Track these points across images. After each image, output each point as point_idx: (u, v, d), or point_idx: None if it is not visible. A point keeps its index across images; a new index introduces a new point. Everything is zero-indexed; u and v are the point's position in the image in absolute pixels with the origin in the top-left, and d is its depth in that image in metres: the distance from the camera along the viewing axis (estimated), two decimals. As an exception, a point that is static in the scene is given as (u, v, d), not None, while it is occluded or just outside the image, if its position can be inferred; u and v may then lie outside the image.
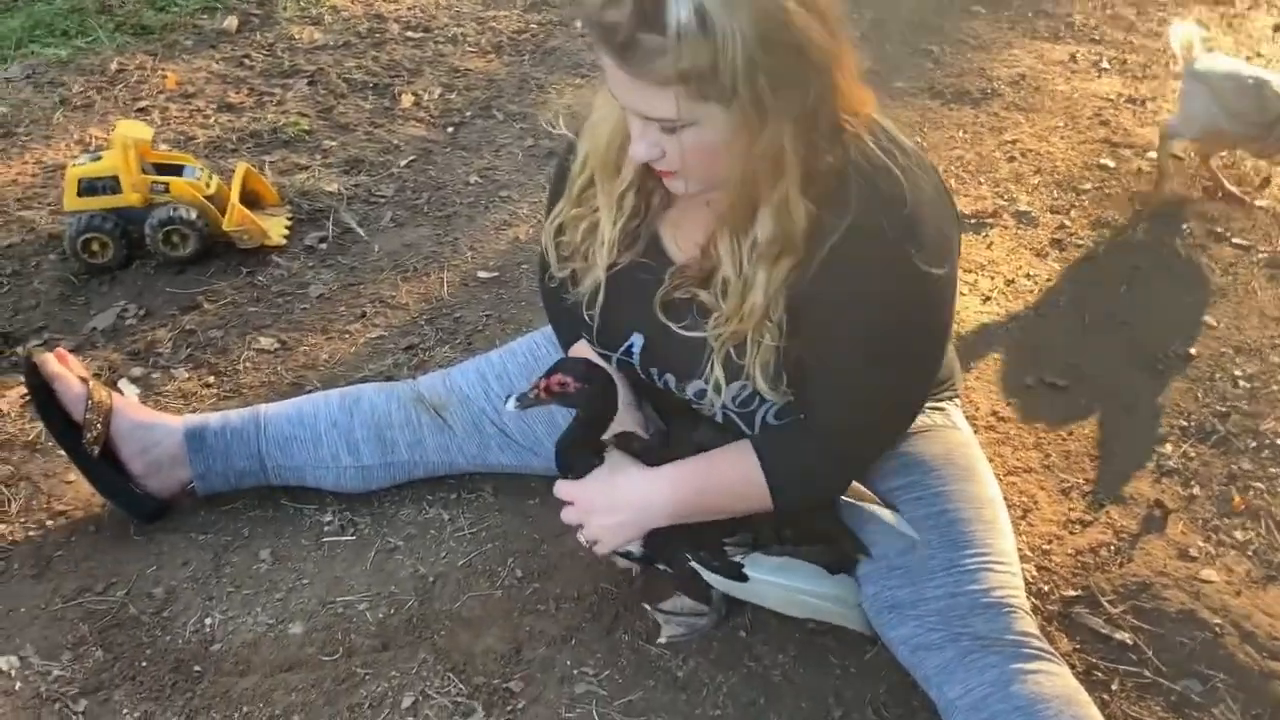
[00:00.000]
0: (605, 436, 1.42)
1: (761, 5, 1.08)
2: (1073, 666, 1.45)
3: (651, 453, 1.41)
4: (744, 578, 1.43)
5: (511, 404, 1.36)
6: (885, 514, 1.43)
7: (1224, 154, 2.61)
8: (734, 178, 1.20)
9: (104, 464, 1.64)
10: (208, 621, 1.54)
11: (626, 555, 1.47)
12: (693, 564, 1.44)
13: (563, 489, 1.42)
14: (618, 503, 1.38)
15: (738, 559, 1.43)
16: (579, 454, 1.41)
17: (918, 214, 1.21)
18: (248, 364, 2.01)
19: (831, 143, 1.20)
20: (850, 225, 1.20)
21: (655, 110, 1.15)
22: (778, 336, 1.27)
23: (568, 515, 1.43)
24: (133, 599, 1.57)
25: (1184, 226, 2.43)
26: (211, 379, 1.97)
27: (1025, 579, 1.48)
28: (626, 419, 1.45)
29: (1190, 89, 2.43)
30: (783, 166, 1.18)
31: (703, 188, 1.27)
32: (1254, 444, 1.86)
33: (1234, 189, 2.54)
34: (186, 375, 1.97)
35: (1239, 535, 1.69)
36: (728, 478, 1.36)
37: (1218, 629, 1.54)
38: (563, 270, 1.45)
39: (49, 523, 1.68)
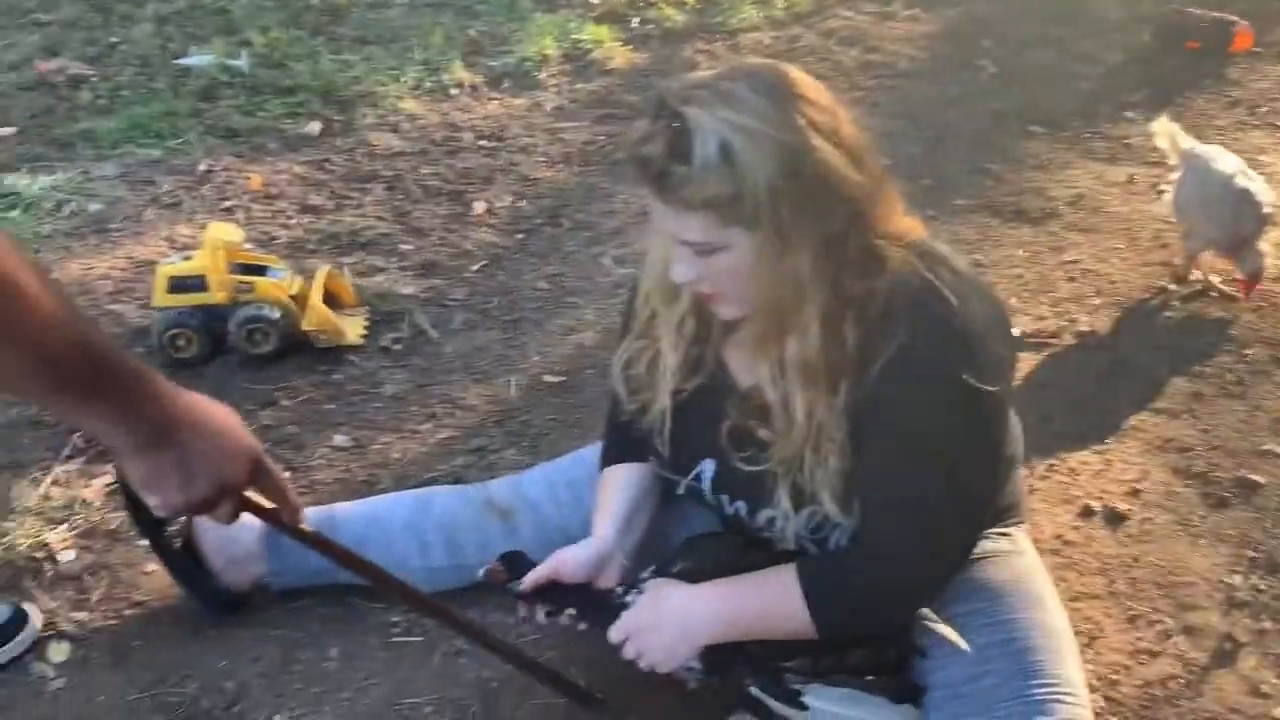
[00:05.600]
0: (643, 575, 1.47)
1: (785, 140, 1.17)
2: (1143, 804, 1.43)
3: (696, 574, 1.43)
4: (803, 706, 1.43)
5: (481, 573, 1.51)
6: (938, 626, 1.42)
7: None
8: (762, 301, 1.27)
9: (184, 557, 1.69)
10: (277, 719, 1.57)
11: (689, 670, 1.47)
12: (752, 690, 1.45)
13: (614, 631, 1.44)
14: (663, 619, 1.40)
15: (796, 686, 1.43)
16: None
17: (967, 332, 1.25)
18: (322, 460, 2.07)
19: (867, 269, 1.26)
20: (900, 345, 1.25)
21: (687, 234, 1.23)
22: (842, 458, 1.31)
23: (626, 651, 1.43)
24: (205, 693, 1.60)
25: (1246, 352, 2.43)
26: (287, 474, 2.02)
27: (1093, 710, 1.47)
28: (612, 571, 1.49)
29: (1189, 179, 2.59)
30: (804, 291, 1.24)
31: (742, 310, 1.32)
32: (1325, 578, 1.84)
33: (1224, 287, 2.64)
34: (263, 470, 2.03)
35: (1312, 673, 1.67)
36: (769, 598, 1.37)
37: (1293, 771, 1.51)
38: (633, 403, 1.50)
39: (127, 612, 1.73)
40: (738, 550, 1.48)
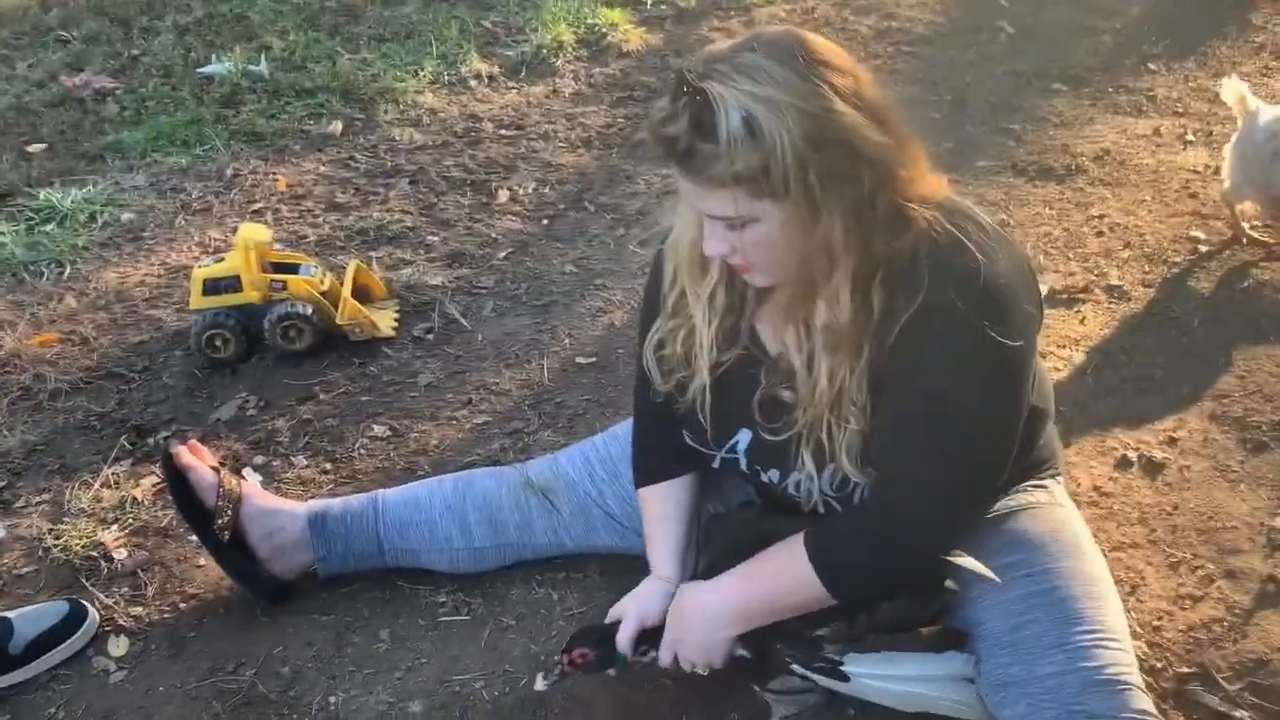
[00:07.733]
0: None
1: (807, 109, 1.16)
2: (1192, 746, 1.43)
3: (715, 567, 1.46)
4: (845, 676, 1.43)
5: (540, 683, 1.50)
6: (962, 560, 1.38)
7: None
8: (794, 269, 1.27)
9: (232, 548, 1.73)
10: (332, 700, 1.61)
11: (741, 658, 1.48)
12: (794, 667, 1.46)
13: (662, 654, 1.49)
14: (688, 623, 1.45)
15: (834, 656, 1.43)
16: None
17: (992, 287, 1.24)
18: (362, 451, 2.11)
19: (894, 229, 1.25)
20: (922, 302, 1.25)
21: (716, 209, 1.23)
22: (862, 420, 1.31)
23: (664, 659, 1.49)
24: (261, 678, 1.64)
25: (1281, 297, 2.41)
26: (329, 466, 2.07)
27: (1137, 656, 1.47)
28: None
29: (1245, 138, 2.54)
30: (836, 257, 1.24)
31: (775, 279, 1.33)
32: (1369, 517, 1.83)
33: (1260, 236, 2.63)
34: (305, 463, 2.08)
35: (1359, 611, 1.66)
36: (780, 576, 1.38)
37: (1343, 708, 1.51)
38: (667, 384, 1.49)
39: (182, 605, 1.78)
40: (752, 525, 1.49)
